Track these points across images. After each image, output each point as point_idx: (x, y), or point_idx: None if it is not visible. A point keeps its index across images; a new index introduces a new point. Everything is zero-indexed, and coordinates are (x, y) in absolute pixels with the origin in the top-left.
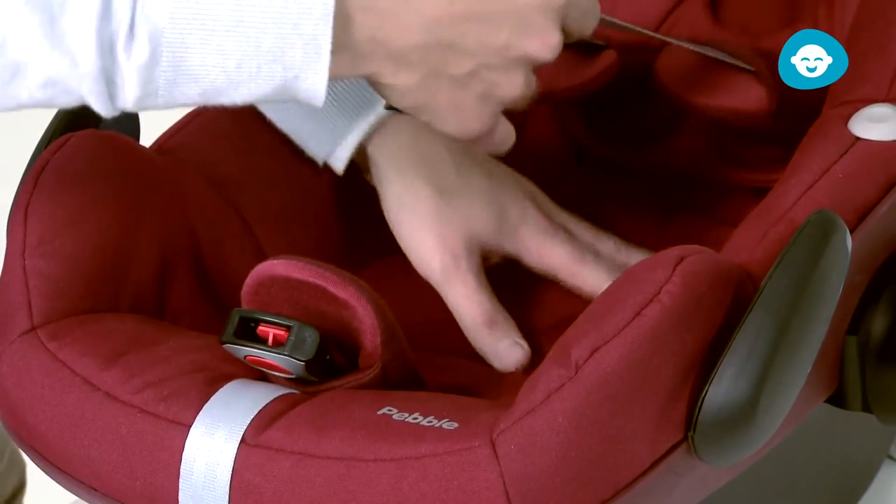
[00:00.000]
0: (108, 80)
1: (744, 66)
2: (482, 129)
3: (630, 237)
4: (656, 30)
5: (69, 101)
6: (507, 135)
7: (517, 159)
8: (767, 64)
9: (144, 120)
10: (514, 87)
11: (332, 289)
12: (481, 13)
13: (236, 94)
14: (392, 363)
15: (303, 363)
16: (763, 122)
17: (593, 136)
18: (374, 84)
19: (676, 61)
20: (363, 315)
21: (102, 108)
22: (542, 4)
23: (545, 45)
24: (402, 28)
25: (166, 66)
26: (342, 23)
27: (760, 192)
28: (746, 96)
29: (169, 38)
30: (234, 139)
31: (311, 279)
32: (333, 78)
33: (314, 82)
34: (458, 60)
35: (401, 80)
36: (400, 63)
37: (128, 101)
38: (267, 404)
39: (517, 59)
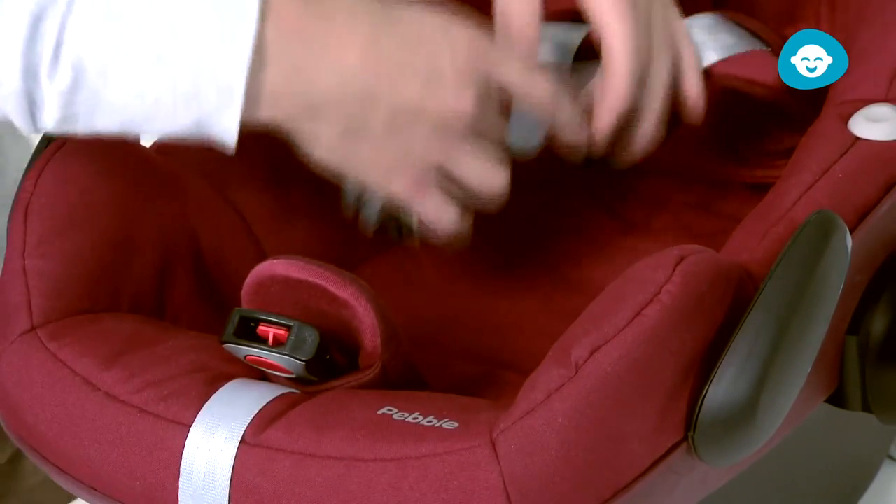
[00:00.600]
0: (31, 100)
1: (760, 46)
2: (405, 189)
3: (631, 232)
4: None
5: None
6: (442, 213)
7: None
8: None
9: None
10: (430, 150)
11: (332, 288)
12: (397, 66)
13: (153, 128)
14: (392, 363)
15: (303, 363)
16: (780, 97)
17: None
18: (294, 137)
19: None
20: (363, 315)
21: (24, 126)
22: (457, 64)
23: (455, 111)
24: (317, 80)
25: (87, 95)
26: (257, 71)
27: (760, 189)
28: (763, 70)
29: (91, 68)
30: None
31: (311, 279)
32: (247, 125)
33: (227, 127)
34: (374, 114)
35: (319, 134)
36: (317, 116)
37: (47, 123)
38: (267, 404)
39: (430, 120)
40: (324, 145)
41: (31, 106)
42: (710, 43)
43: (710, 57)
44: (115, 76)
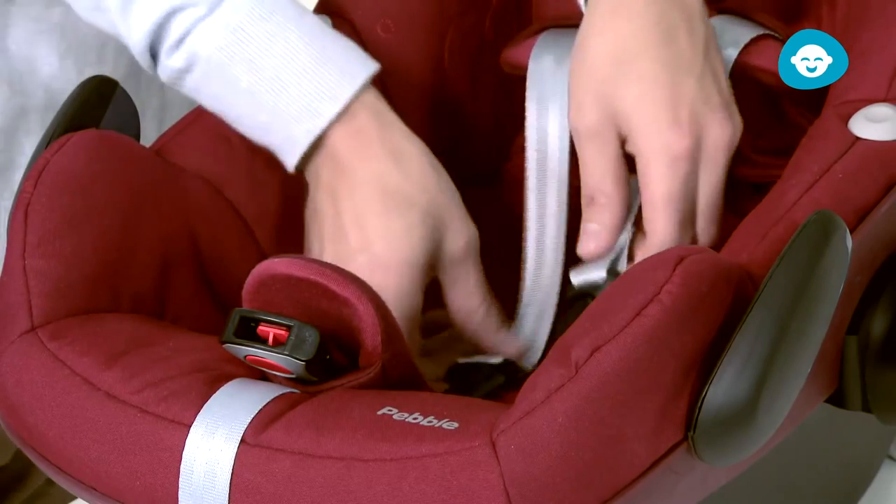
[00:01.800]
0: (152, 57)
1: (770, 33)
2: None
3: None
4: None
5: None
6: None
7: (518, 158)
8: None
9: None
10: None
11: (332, 286)
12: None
13: (236, 129)
14: (392, 362)
15: (303, 363)
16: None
17: None
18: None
19: None
20: (364, 313)
21: (146, 67)
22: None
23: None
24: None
25: (192, 80)
26: (311, 146)
27: (760, 188)
28: (772, 58)
29: (200, 66)
30: (235, 139)
31: (311, 277)
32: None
33: (288, 160)
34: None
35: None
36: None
37: (161, 77)
38: (267, 404)
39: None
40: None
41: (151, 62)
42: (723, 43)
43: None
44: (216, 85)
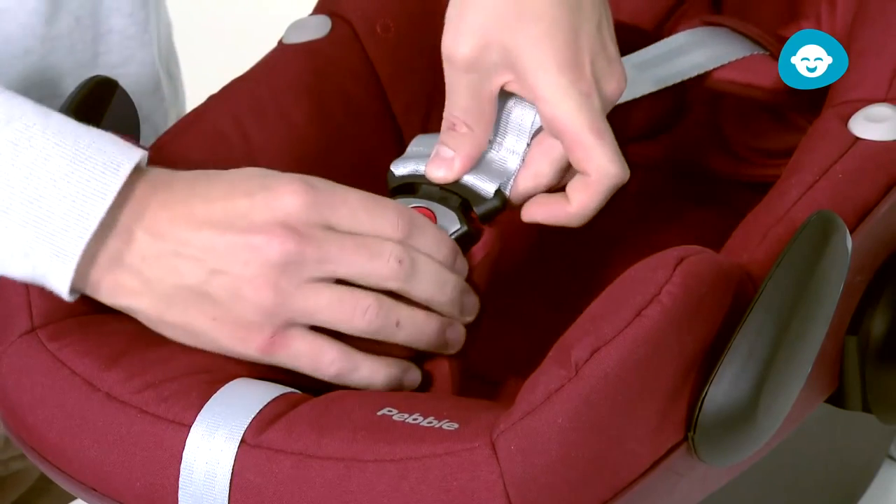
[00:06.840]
0: None
1: (760, 50)
2: (262, 342)
3: (630, 230)
4: (658, 28)
5: None
6: (326, 354)
7: None
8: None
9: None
10: (263, 301)
11: None
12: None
13: None
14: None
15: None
16: (779, 99)
17: None
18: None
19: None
20: None
21: None
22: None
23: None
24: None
25: None
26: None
27: (760, 188)
28: (761, 73)
29: None
30: (234, 141)
31: None
32: (77, 287)
33: (59, 284)
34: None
35: (143, 302)
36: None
37: None
38: (267, 404)
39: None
40: (149, 315)
41: None
42: (698, 56)
43: (693, 71)
44: None
